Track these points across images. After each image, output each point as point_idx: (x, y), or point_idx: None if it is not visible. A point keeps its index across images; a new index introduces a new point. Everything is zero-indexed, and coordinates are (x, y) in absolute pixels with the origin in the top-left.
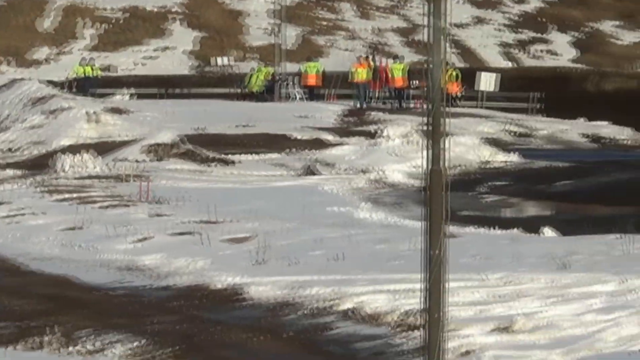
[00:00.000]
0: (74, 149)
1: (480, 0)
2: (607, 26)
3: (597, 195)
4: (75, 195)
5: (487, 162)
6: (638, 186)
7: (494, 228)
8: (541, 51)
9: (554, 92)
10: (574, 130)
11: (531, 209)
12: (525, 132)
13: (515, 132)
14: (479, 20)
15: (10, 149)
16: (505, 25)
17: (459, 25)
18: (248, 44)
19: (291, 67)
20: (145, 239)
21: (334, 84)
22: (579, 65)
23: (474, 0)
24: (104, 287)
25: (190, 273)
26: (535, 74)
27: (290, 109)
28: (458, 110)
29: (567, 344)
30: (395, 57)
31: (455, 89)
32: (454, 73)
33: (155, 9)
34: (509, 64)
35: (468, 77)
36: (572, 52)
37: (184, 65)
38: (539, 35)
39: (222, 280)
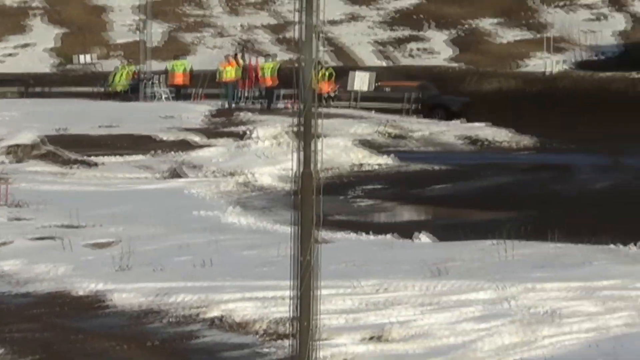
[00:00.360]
0: None
1: None
2: (486, 24)
3: (474, 199)
4: None
5: (361, 164)
6: (516, 190)
7: (367, 233)
8: (417, 49)
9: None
10: (451, 132)
11: (406, 214)
12: (401, 134)
13: (390, 134)
14: (353, 17)
15: None
16: (380, 22)
17: (332, 22)
18: (112, 41)
19: (157, 65)
20: (4, 243)
21: (202, 83)
22: (456, 64)
23: None
24: None
25: (51, 279)
26: (411, 73)
27: (155, 109)
28: (331, 110)
29: (442, 353)
30: (267, 55)
31: (327, 88)
32: (327, 72)
33: (15, 4)
34: (384, 63)
35: (341, 76)
36: (450, 51)
37: (45, 63)
38: (415, 32)
39: (85, 286)
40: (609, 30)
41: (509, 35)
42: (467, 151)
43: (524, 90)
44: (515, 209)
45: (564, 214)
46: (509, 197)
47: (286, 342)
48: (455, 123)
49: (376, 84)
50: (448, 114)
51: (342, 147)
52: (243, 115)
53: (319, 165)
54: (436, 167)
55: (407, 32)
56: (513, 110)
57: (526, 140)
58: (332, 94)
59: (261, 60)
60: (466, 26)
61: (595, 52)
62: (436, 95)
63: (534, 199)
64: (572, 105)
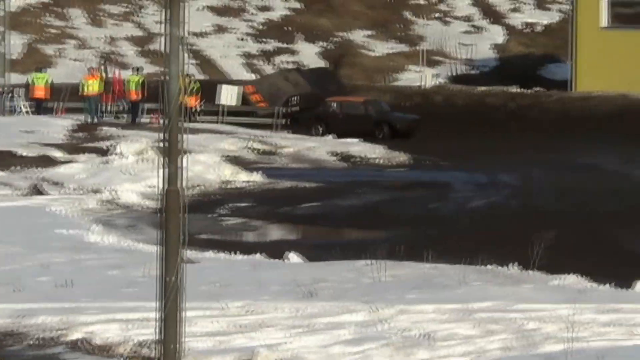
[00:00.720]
0: None
1: (222, 7)
2: (359, 36)
3: (346, 218)
4: None
5: (229, 181)
6: (390, 209)
7: (235, 253)
8: (287, 62)
9: (299, 106)
10: (322, 148)
11: (275, 233)
12: (270, 150)
13: (258, 150)
14: (221, 29)
15: None
16: (248, 34)
17: (199, 35)
18: None
19: (17, 78)
20: None
21: (64, 97)
22: None
23: (215, 8)
24: None
25: None
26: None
27: (15, 123)
28: (197, 125)
29: None
30: (135, 68)
31: (194, 102)
32: (193, 86)
33: None
34: (253, 76)
35: (208, 90)
36: (321, 63)
37: None
38: (284, 45)
39: None
40: (486, 43)
41: (383, 48)
42: (338, 168)
43: (398, 104)
44: (389, 228)
45: (439, 234)
46: (383, 215)
47: None
48: (327, 139)
49: (330, 103)
50: (393, 132)
51: (210, 163)
52: (107, 130)
53: (185, 182)
54: (307, 185)
55: (276, 45)
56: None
57: (400, 157)
58: (197, 109)
59: (127, 73)
60: (338, 39)
61: (471, 65)
62: (384, 112)
63: (409, 218)
64: (446, 121)
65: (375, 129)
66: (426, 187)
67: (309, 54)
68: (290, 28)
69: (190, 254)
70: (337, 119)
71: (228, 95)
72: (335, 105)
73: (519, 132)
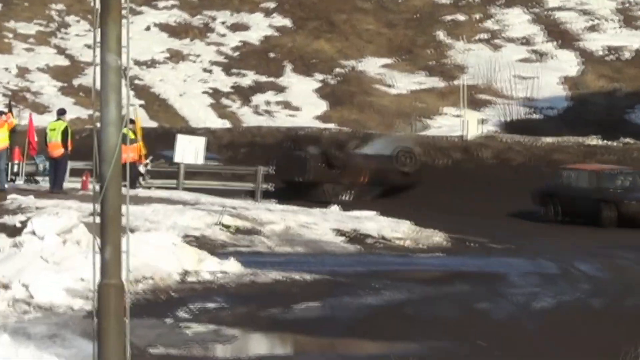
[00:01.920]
0: None
1: (179, 25)
2: (372, 66)
3: (358, 325)
4: None
5: (192, 273)
6: (419, 311)
7: None
8: (272, 103)
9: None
10: (323, 224)
11: (257, 346)
12: (249, 227)
13: (233, 228)
14: (178, 56)
15: None
16: (216, 63)
17: (146, 64)
18: None
19: None
20: None
21: None
22: (332, 126)
23: (169, 26)
24: None
25: None
26: (266, 139)
27: None
28: (145, 192)
29: None
30: (58, 112)
31: (139, 158)
32: (135, 134)
33: None
34: (223, 123)
35: (160, 140)
36: (319, 104)
37: None
38: (268, 78)
39: None
40: (552, 76)
41: (407, 82)
42: (347, 253)
43: (432, 163)
44: (418, 339)
45: (491, 348)
46: (410, 321)
47: None
48: (331, 211)
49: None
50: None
51: (165, 247)
52: (18, 200)
53: (129, 273)
54: (302, 277)
55: (256, 78)
56: (414, 192)
57: (434, 237)
58: (143, 168)
59: (45, 118)
60: (343, 69)
61: (531, 107)
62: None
63: (447, 324)
64: (497, 185)
65: (602, 210)
66: (471, 280)
67: (302, 91)
68: (275, 55)
69: None
70: (567, 195)
71: (189, 150)
72: (571, 175)
73: None
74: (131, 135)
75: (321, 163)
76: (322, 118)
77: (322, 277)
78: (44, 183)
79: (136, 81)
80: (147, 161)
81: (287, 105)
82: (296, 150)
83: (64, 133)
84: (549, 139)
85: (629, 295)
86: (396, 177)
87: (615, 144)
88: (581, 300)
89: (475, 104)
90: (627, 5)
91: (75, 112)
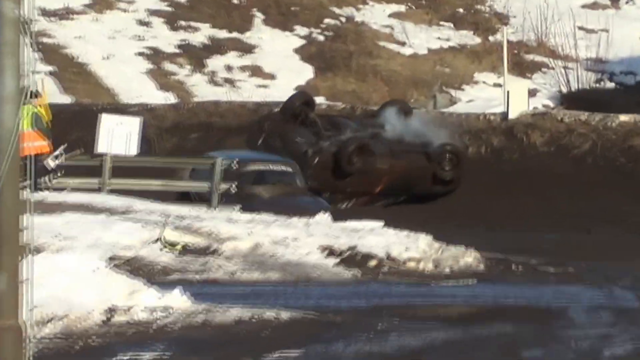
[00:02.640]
0: None
1: None
2: (377, 15)
3: None
4: None
5: (121, 309)
6: None
7: None
8: (234, 68)
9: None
10: (307, 240)
11: None
12: (202, 245)
13: (180, 245)
14: (104, 4)
15: None
16: (156, 13)
17: (55, 15)
18: None
19: None
20: None
21: None
22: (325, 100)
23: None
24: None
25: None
26: (215, 118)
27: None
28: (56, 197)
29: None
30: None
31: (44, 148)
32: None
33: None
34: (167, 97)
35: (77, 123)
36: (304, 69)
37: None
38: (231, 33)
39: None
40: (631, 27)
41: (425, 38)
42: (340, 280)
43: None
44: None
45: None
46: None
47: None
48: (319, 221)
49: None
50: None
51: (84, 273)
52: None
53: (31, 311)
54: (274, 315)
55: (212, 33)
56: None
57: (461, 257)
58: (52, 162)
59: None
60: (335, 21)
61: (601, 72)
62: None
63: None
64: (554, 183)
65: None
66: (515, 318)
67: (278, 52)
68: (241, 1)
69: None
70: None
71: (118, 136)
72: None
73: None
74: (44, 117)
75: (328, 167)
76: (307, 89)
77: (304, 314)
78: None
79: (43, 39)
80: (58, 152)
81: (256, 71)
82: (296, 133)
83: None
84: (626, 117)
85: None
86: (428, 185)
87: None
88: None
89: (523, 69)
90: None
91: None
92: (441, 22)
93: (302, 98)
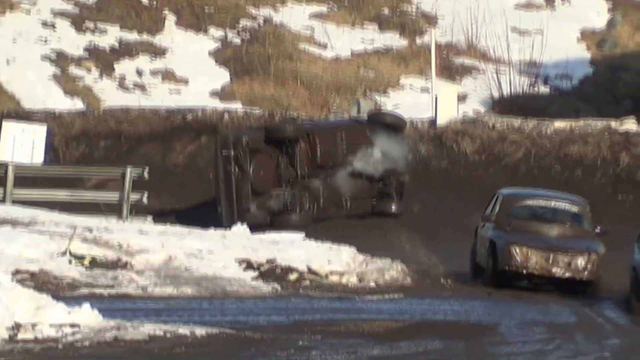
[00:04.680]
0: None
1: None
2: (297, 17)
3: None
4: None
5: (26, 326)
6: None
7: None
8: (144, 72)
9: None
10: (224, 253)
11: None
12: (113, 258)
13: (88, 258)
14: (2, 4)
15: None
16: (62, 14)
17: None
18: None
19: None
20: None
21: None
22: (235, 106)
23: None
24: None
25: None
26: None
27: None
28: None
29: None
30: None
31: None
32: None
33: None
34: (75, 103)
35: None
36: (220, 74)
37: None
38: (142, 36)
39: None
40: (567, 29)
41: (349, 41)
42: (259, 295)
43: None
44: None
45: None
46: None
47: None
48: (236, 233)
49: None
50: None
51: None
52: None
53: None
54: (189, 332)
55: (122, 35)
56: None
57: (387, 270)
58: None
59: None
60: (252, 22)
61: (535, 75)
62: None
63: None
64: (486, 194)
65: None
66: (445, 334)
67: (192, 55)
68: (152, 1)
69: None
70: None
71: (22, 145)
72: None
73: (639, 212)
74: None
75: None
76: (222, 95)
77: (221, 331)
78: None
79: None
80: None
81: (168, 75)
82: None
83: None
84: (561, 123)
85: None
86: (367, 212)
87: None
88: None
89: (452, 73)
90: None
91: None
92: (365, 24)
93: (294, 125)
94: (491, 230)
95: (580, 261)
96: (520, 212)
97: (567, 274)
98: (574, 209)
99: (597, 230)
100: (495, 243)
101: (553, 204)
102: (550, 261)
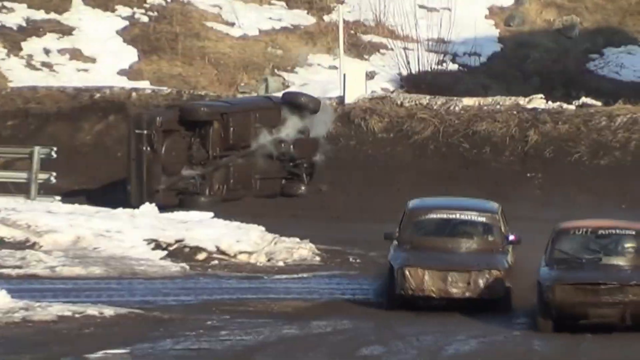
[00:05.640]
0: None
1: None
2: None
3: None
4: None
5: None
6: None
7: None
8: (51, 52)
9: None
10: (132, 233)
11: None
12: (20, 239)
13: None
14: None
15: None
16: None
17: None
18: None
19: None
20: None
21: None
22: (146, 85)
23: None
24: None
25: None
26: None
27: None
28: None
29: None
30: None
31: None
32: None
33: None
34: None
35: None
36: (126, 52)
37: None
38: (45, 15)
39: None
40: (474, 6)
41: (254, 18)
42: (167, 275)
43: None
44: None
45: None
46: None
47: None
48: (144, 212)
49: None
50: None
51: None
52: None
53: None
54: (97, 312)
55: (30, 13)
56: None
57: (295, 250)
58: None
59: None
60: (158, 1)
61: (443, 53)
62: None
63: None
64: (394, 172)
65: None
66: (352, 313)
67: (99, 33)
68: None
69: None
70: None
71: None
72: None
73: (549, 193)
74: None
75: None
76: (130, 73)
77: (129, 311)
78: None
79: None
80: None
81: (76, 54)
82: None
83: None
84: (470, 101)
85: None
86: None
87: (568, 106)
88: None
89: (360, 51)
90: None
91: None
92: (272, 1)
93: (209, 107)
94: (392, 250)
95: (481, 279)
96: (422, 227)
97: (467, 294)
98: (482, 219)
99: (511, 238)
100: (392, 265)
101: (458, 215)
102: (448, 282)
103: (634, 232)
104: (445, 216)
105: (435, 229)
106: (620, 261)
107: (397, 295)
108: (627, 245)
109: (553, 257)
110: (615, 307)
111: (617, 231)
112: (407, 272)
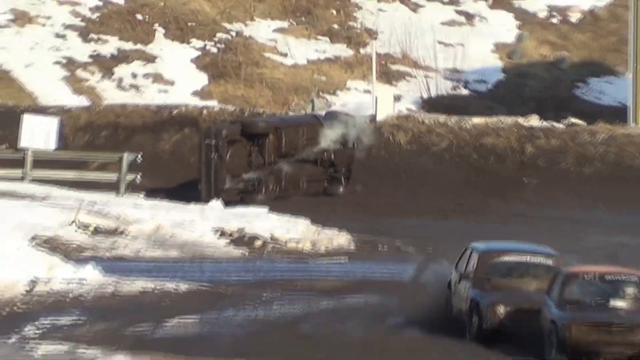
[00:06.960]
0: None
1: None
2: (262, 30)
3: (244, 345)
4: None
5: (41, 281)
6: (319, 328)
7: None
8: (138, 76)
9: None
10: (202, 223)
11: None
12: (112, 227)
13: (92, 227)
14: (23, 18)
15: None
16: (71, 27)
17: None
18: None
19: None
20: None
21: None
22: (213, 103)
23: None
24: None
25: None
26: (134, 121)
27: None
28: None
29: None
30: None
31: None
32: None
33: None
34: (81, 100)
35: (1, 121)
36: (199, 79)
37: None
38: (135, 46)
39: None
40: (483, 43)
41: (304, 50)
42: (232, 258)
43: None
44: None
45: None
46: (307, 340)
47: None
48: (212, 207)
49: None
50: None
51: (8, 250)
52: None
53: None
54: (174, 287)
55: (120, 45)
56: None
57: (335, 238)
58: None
59: None
60: (226, 35)
61: (457, 80)
62: None
63: (353, 346)
64: (414, 176)
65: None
66: (381, 290)
67: (177, 61)
68: (143, 17)
69: None
70: None
71: (38, 133)
72: None
73: (542, 195)
74: None
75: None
76: (201, 94)
77: (200, 286)
78: None
79: None
80: None
81: (157, 78)
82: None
83: None
84: (478, 120)
85: None
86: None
87: (559, 125)
88: None
89: (389, 77)
90: None
91: None
92: (318, 37)
93: (266, 122)
94: (471, 289)
95: None
96: (498, 269)
97: None
98: (549, 261)
99: None
100: (478, 302)
101: (528, 258)
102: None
103: (637, 279)
104: (517, 259)
105: (510, 271)
106: (626, 304)
107: (486, 330)
108: (631, 289)
109: (563, 299)
110: (625, 346)
111: (622, 277)
112: (498, 309)
